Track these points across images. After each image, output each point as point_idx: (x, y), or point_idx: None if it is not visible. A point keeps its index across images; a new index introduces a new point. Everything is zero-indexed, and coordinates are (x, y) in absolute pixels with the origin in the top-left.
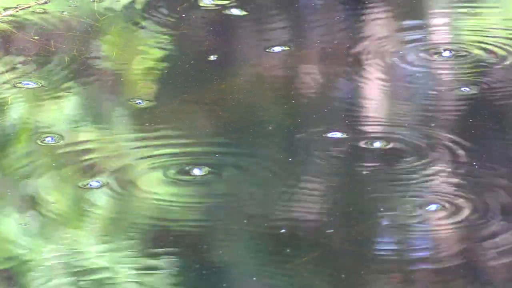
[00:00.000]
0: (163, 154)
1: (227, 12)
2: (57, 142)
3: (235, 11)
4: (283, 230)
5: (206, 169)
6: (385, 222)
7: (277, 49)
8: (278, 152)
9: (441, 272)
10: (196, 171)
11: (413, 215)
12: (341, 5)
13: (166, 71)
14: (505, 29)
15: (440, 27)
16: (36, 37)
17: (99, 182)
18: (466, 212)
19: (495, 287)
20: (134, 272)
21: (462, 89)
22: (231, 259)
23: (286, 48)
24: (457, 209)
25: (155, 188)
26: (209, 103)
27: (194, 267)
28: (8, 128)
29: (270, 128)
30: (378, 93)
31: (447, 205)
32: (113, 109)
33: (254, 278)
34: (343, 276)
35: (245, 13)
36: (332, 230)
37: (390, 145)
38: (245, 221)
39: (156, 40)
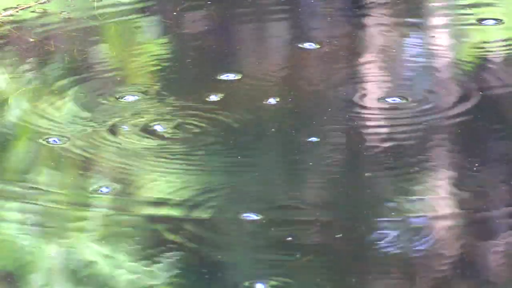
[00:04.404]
0: (164, 154)
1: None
2: (57, 143)
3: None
4: (289, 238)
5: (207, 170)
6: (385, 223)
7: (277, 48)
8: (279, 153)
9: (441, 272)
10: (197, 173)
11: (413, 215)
12: (340, 5)
13: (166, 71)
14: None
15: (441, 26)
16: (36, 37)
17: (104, 187)
18: (466, 212)
19: (496, 287)
20: (135, 272)
21: (463, 89)
22: (232, 259)
23: (287, 48)
24: (458, 209)
25: (156, 188)
26: (209, 103)
27: (194, 268)
28: (8, 129)
29: (270, 128)
30: (378, 93)
31: (447, 205)
32: (113, 109)
33: (257, 279)
34: (343, 276)
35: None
36: (340, 235)
37: (391, 146)
38: (246, 221)
39: (156, 40)
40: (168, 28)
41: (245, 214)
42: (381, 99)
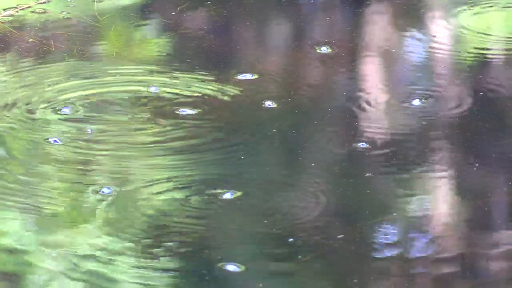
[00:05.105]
0: (165, 154)
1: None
2: (58, 143)
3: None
4: (291, 239)
5: (207, 170)
6: (385, 223)
7: (278, 48)
8: (280, 153)
9: (441, 272)
10: (198, 173)
11: (413, 215)
12: (341, 5)
13: (166, 71)
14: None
15: (440, 25)
16: (36, 37)
17: (105, 187)
18: (466, 212)
19: (496, 287)
20: (135, 272)
21: (463, 89)
22: (231, 259)
23: (287, 48)
24: (458, 208)
25: (156, 188)
26: (210, 103)
27: (195, 268)
28: (8, 129)
29: (271, 128)
30: (378, 93)
31: (447, 205)
32: (114, 109)
33: (254, 279)
34: (343, 276)
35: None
36: (342, 235)
37: (392, 146)
38: (245, 221)
39: (156, 40)
40: (168, 28)
41: (245, 215)
42: (381, 99)
